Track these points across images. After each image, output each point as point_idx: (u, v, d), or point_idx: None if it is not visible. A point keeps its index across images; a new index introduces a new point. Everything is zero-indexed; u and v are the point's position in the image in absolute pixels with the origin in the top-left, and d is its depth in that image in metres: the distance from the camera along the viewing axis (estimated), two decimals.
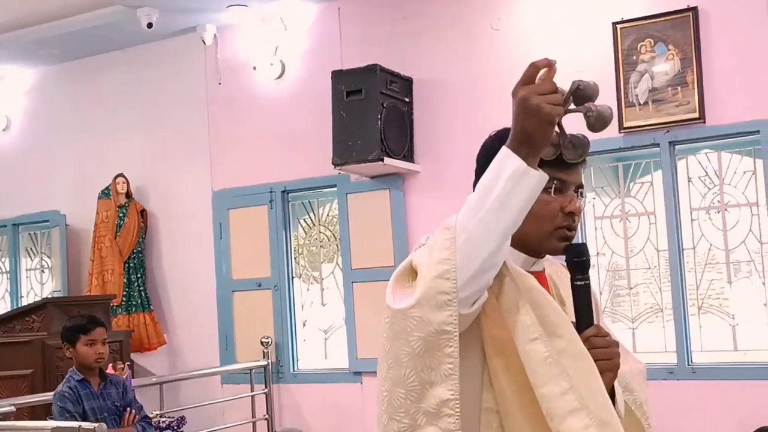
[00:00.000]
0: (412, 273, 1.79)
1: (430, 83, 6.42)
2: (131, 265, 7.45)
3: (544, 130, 1.69)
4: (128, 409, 4.67)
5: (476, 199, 1.73)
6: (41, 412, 5.24)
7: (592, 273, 5.88)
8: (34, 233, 8.46)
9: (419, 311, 1.70)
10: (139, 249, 7.51)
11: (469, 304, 1.74)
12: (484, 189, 1.71)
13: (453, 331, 1.70)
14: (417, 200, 6.46)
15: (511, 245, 1.79)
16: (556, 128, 1.73)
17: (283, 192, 7.01)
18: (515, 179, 1.68)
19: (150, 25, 6.70)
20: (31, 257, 8.53)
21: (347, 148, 6.17)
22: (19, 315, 6.75)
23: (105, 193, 7.58)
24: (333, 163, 6.26)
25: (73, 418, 4.37)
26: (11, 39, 7.40)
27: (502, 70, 6.14)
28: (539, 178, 1.70)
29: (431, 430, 1.72)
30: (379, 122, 6.08)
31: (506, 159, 1.70)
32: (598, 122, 1.77)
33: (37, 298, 7.93)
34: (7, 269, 8.52)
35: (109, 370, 5.04)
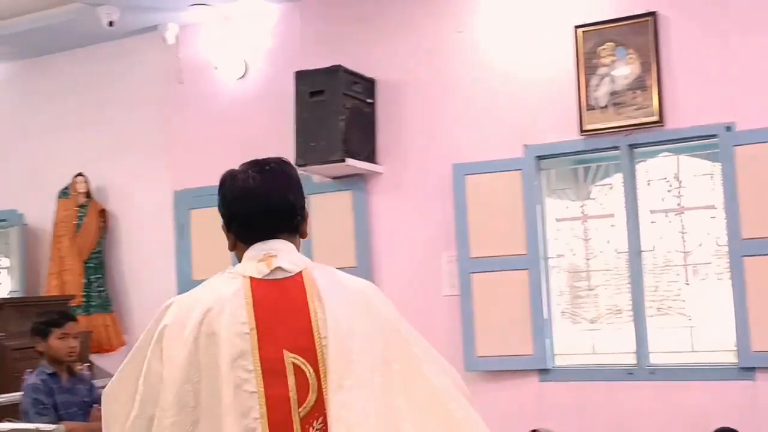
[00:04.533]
0: None
1: (394, 85, 6.43)
2: (91, 265, 7.37)
3: None
4: (95, 405, 4.69)
5: None
6: None
7: (553, 274, 5.96)
8: None
9: None
10: (99, 249, 7.44)
11: None
12: None
13: None
14: (379, 201, 6.46)
15: None
16: None
17: None
18: None
19: (111, 23, 6.64)
20: None
21: (309, 149, 6.16)
22: None
23: (64, 193, 7.50)
24: (295, 164, 6.23)
25: (46, 409, 4.42)
26: None
27: (466, 72, 6.18)
28: None
29: None
30: (341, 123, 6.08)
31: None
32: None
33: None
34: None
35: None
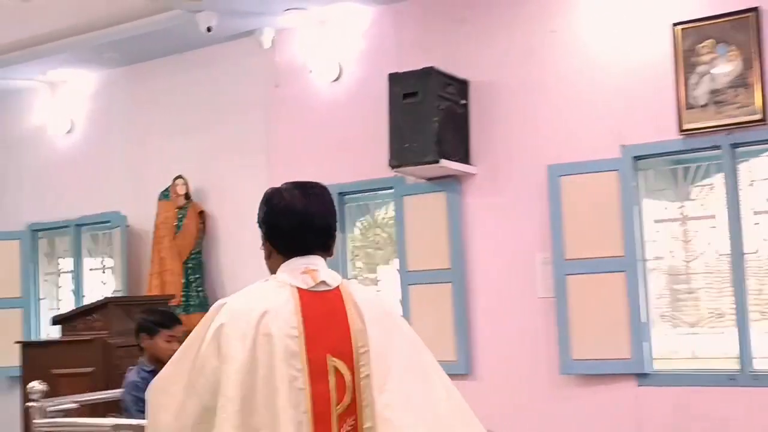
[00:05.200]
0: None
1: (487, 85, 6.40)
2: (190, 265, 7.54)
3: None
4: None
5: None
6: (102, 409, 5.33)
7: (652, 276, 5.83)
8: (96, 234, 8.62)
9: None
10: (198, 250, 7.61)
11: None
12: None
13: None
14: (473, 202, 6.44)
15: None
16: None
17: (339, 194, 7.01)
18: None
19: (209, 29, 6.78)
20: (93, 257, 8.69)
21: (403, 150, 6.17)
22: (81, 314, 6.89)
23: (165, 195, 7.69)
24: (389, 165, 6.28)
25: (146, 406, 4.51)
26: (75, 43, 7.56)
27: (560, 72, 6.11)
28: None
29: None
30: (435, 124, 6.08)
31: None
32: None
33: (99, 298, 8.06)
34: (70, 269, 8.69)
35: None
